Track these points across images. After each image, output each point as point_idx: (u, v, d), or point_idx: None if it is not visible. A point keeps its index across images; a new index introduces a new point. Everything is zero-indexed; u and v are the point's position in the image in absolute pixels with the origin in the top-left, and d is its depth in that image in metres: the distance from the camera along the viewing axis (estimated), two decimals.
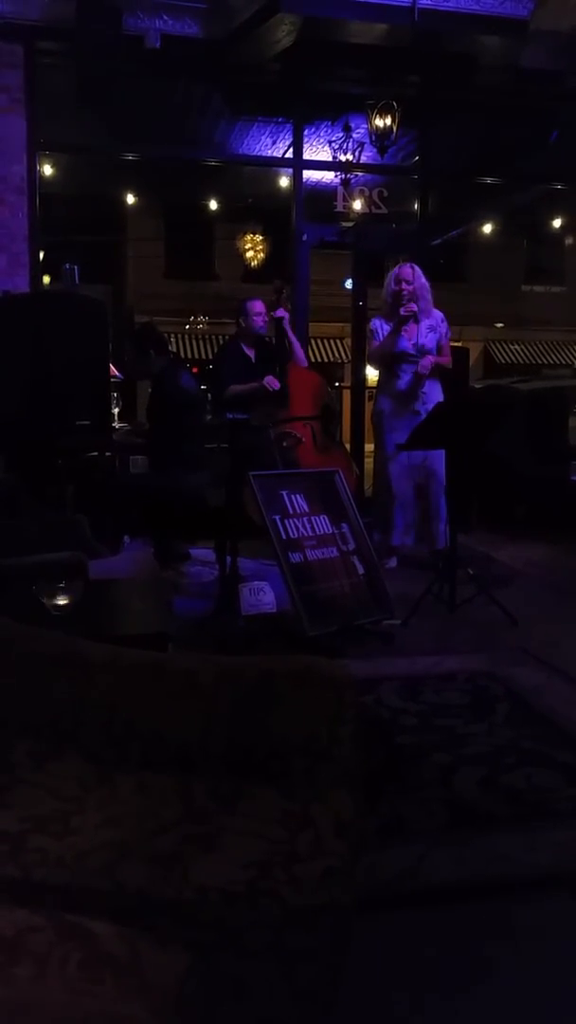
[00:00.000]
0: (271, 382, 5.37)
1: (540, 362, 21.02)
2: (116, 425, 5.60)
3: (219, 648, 3.64)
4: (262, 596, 4.06)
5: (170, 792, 1.52)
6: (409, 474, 5.21)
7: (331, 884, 1.29)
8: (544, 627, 4.10)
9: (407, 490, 5.24)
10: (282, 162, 7.53)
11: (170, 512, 4.62)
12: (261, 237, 14.88)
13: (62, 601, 2.25)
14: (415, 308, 5.14)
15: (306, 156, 7.19)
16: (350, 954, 1.34)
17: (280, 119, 7.24)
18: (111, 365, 5.03)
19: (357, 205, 7.24)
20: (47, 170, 6.98)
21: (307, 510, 4.11)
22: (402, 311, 5.14)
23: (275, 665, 1.67)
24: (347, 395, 11.66)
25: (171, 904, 1.24)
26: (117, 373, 5.77)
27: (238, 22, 6.07)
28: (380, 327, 5.32)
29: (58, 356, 4.52)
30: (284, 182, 7.91)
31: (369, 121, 6.79)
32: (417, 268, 5.30)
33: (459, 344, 12.61)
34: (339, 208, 7.25)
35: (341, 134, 7.12)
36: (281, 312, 5.51)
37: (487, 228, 13.23)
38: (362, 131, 7.00)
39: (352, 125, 7.06)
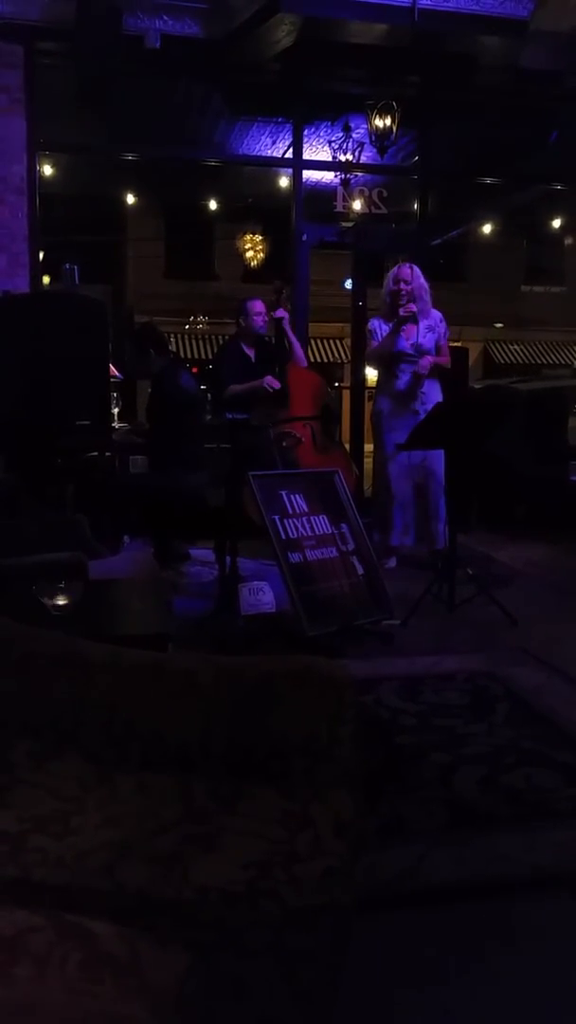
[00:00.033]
0: (271, 382, 5.37)
1: (540, 362, 21.02)
2: (116, 425, 5.60)
3: (219, 648, 3.64)
4: (262, 596, 4.06)
5: (170, 792, 1.52)
6: (408, 474, 5.21)
7: (331, 884, 1.29)
8: (544, 627, 4.10)
9: (406, 490, 5.24)
10: (282, 162, 7.53)
11: (170, 512, 4.62)
12: (261, 237, 14.88)
13: (62, 601, 2.24)
14: (414, 309, 5.14)
15: (306, 156, 7.19)
16: (350, 954, 1.34)
17: (280, 119, 7.25)
18: (111, 365, 5.03)
19: (357, 205, 7.24)
20: (47, 170, 6.98)
21: (306, 510, 4.11)
22: (401, 312, 5.14)
23: (275, 665, 1.67)
24: (347, 395, 11.66)
25: (171, 904, 1.24)
26: (117, 373, 5.77)
27: (238, 22, 6.07)
28: (379, 327, 5.32)
29: (58, 356, 4.52)
30: (284, 182, 7.91)
31: (369, 121, 6.79)
32: (416, 268, 5.30)
33: (459, 344, 12.59)
34: (339, 208, 7.25)
35: (341, 134, 7.12)
36: (281, 312, 5.51)
37: (487, 228, 13.23)
38: (362, 131, 7.00)
39: (352, 125, 7.06)
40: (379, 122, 6.74)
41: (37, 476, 4.41)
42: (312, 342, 12.45)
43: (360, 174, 7.31)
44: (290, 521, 4.00)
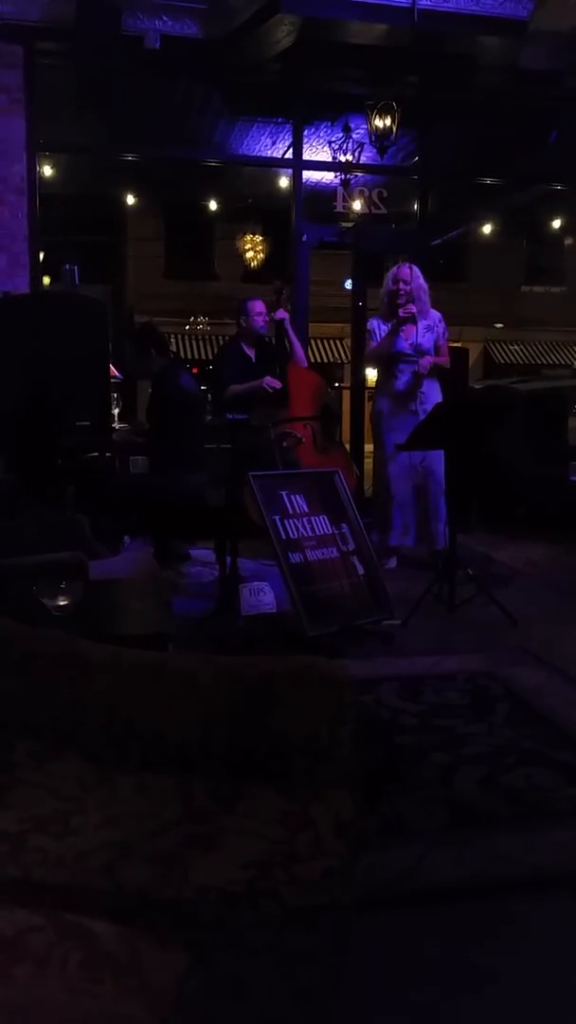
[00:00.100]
0: (271, 382, 5.37)
1: (540, 362, 21.02)
2: (116, 425, 5.59)
3: (219, 648, 3.64)
4: (262, 596, 4.06)
5: (170, 792, 1.52)
6: (408, 475, 5.20)
7: (331, 884, 1.29)
8: (544, 627, 4.11)
9: (405, 490, 5.24)
10: (282, 162, 7.53)
11: (170, 512, 4.62)
12: (261, 237, 14.88)
13: (62, 601, 2.24)
14: (413, 310, 5.14)
15: (306, 156, 7.19)
16: (350, 954, 1.34)
17: (280, 119, 7.25)
18: (111, 365, 5.03)
19: (357, 205, 7.24)
20: (47, 170, 6.98)
21: (307, 510, 4.11)
22: (401, 312, 5.14)
23: (275, 665, 1.67)
24: (347, 395, 11.66)
25: (171, 904, 1.24)
26: (117, 373, 5.77)
27: (238, 22, 6.07)
28: (378, 327, 5.32)
29: (58, 356, 4.52)
30: (284, 182, 7.91)
31: (369, 121, 6.79)
32: (415, 268, 5.30)
33: (459, 344, 12.61)
34: (339, 208, 7.25)
35: (341, 134, 7.12)
36: (282, 313, 5.51)
37: (487, 228, 13.24)
38: (362, 131, 7.00)
39: (352, 125, 7.07)
40: (379, 122, 6.74)
41: (37, 476, 4.41)
42: (312, 342, 12.44)
43: (360, 174, 7.31)
44: (290, 521, 4.00)
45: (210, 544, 5.00)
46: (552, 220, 12.62)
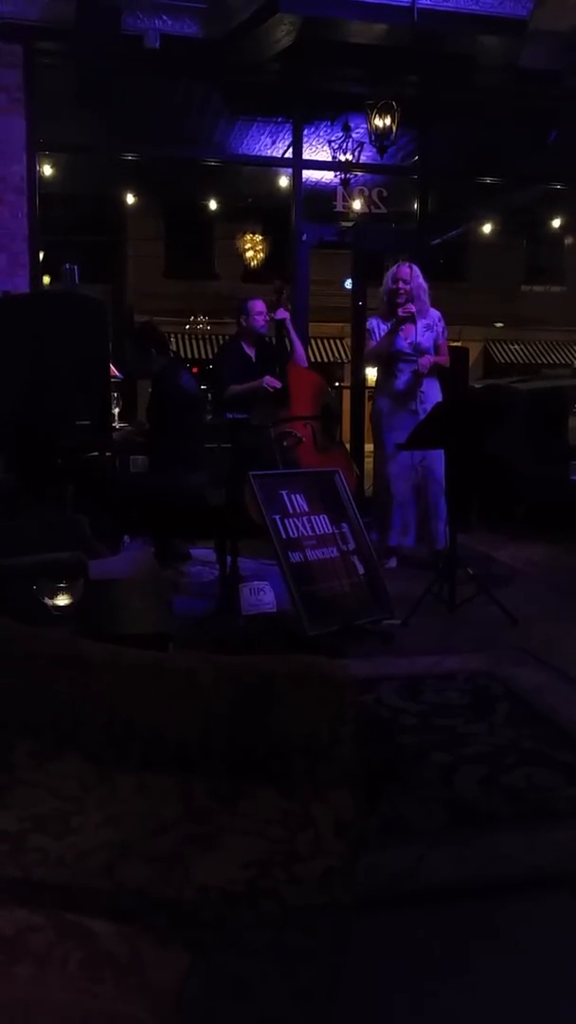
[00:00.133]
0: (271, 382, 5.37)
1: (540, 362, 21.02)
2: (116, 425, 5.59)
3: (219, 648, 3.64)
4: (262, 596, 4.06)
5: (170, 792, 1.52)
6: (408, 474, 5.20)
7: (331, 884, 1.29)
8: (544, 627, 4.10)
9: (405, 490, 5.24)
10: (282, 162, 7.53)
11: (170, 512, 4.62)
12: (261, 237, 14.89)
13: (62, 601, 2.24)
14: (413, 309, 5.14)
15: (306, 156, 7.18)
16: (350, 954, 1.34)
17: (280, 119, 7.24)
18: (111, 365, 5.03)
19: (357, 205, 7.24)
20: (47, 170, 6.97)
21: (307, 510, 4.11)
22: (400, 312, 5.14)
23: (275, 665, 1.67)
24: (347, 395, 11.65)
25: (171, 904, 1.24)
26: (117, 373, 5.77)
27: (237, 22, 6.07)
28: (377, 326, 5.32)
29: (58, 356, 4.51)
30: (284, 182, 7.91)
31: (368, 121, 6.79)
32: (415, 268, 5.30)
33: (459, 344, 12.59)
34: (339, 208, 7.25)
35: (341, 134, 7.12)
36: (282, 313, 5.51)
37: (487, 228, 13.23)
38: (361, 131, 7.00)
39: (352, 125, 7.06)
40: (379, 122, 6.74)
41: (37, 476, 4.41)
42: (312, 342, 12.44)
43: (360, 174, 7.31)
44: (290, 521, 4.00)
45: (210, 543, 4.99)
46: (552, 219, 12.63)
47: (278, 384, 5.37)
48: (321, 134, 7.29)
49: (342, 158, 7.12)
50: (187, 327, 18.99)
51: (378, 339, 5.28)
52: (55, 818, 1.43)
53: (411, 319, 5.15)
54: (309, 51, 6.24)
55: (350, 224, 7.29)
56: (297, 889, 1.26)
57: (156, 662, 1.73)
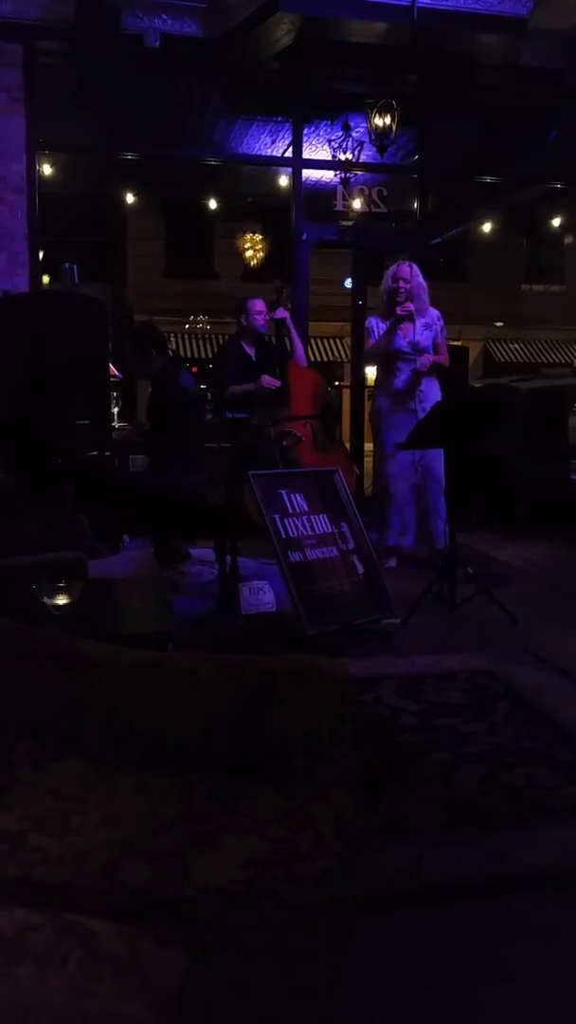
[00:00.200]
0: (269, 382, 5.37)
1: (539, 361, 21.02)
2: (116, 425, 5.59)
3: (219, 647, 3.64)
4: (262, 595, 4.06)
5: (170, 792, 1.52)
6: (407, 474, 5.20)
7: (331, 883, 1.29)
8: (544, 626, 4.11)
9: (404, 490, 5.23)
10: (282, 161, 7.53)
11: (170, 511, 4.62)
12: (261, 236, 14.88)
13: (62, 601, 2.24)
14: (411, 308, 5.14)
15: (305, 155, 7.18)
16: (350, 954, 1.34)
17: (279, 118, 7.24)
18: (111, 365, 5.03)
19: (357, 204, 7.24)
20: (47, 170, 6.97)
21: (307, 509, 4.11)
22: (399, 310, 5.15)
23: (275, 664, 1.67)
24: (347, 394, 11.66)
25: (171, 903, 1.24)
26: (117, 373, 5.76)
27: (237, 21, 6.06)
28: (376, 325, 5.32)
29: (58, 356, 4.51)
30: (284, 181, 7.90)
31: (368, 120, 6.79)
32: (415, 267, 5.30)
33: (459, 343, 12.60)
34: (339, 207, 7.25)
35: (340, 133, 7.12)
36: (282, 312, 5.51)
37: (487, 227, 13.22)
38: (361, 130, 7.00)
39: (351, 124, 7.06)
40: (379, 121, 6.73)
41: (37, 476, 4.41)
42: (312, 341, 12.44)
43: (360, 173, 7.31)
44: (290, 520, 4.00)
45: (210, 543, 4.99)
46: (552, 219, 12.63)
47: (277, 383, 5.37)
48: (321, 133, 7.28)
49: (342, 157, 7.12)
50: (187, 327, 18.99)
51: (377, 338, 5.28)
52: (55, 818, 1.43)
53: (409, 317, 5.15)
54: (309, 50, 6.24)
55: (350, 223, 7.29)
56: (297, 889, 1.26)
57: (156, 662, 1.73)
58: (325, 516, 4.16)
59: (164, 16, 6.13)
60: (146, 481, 4.97)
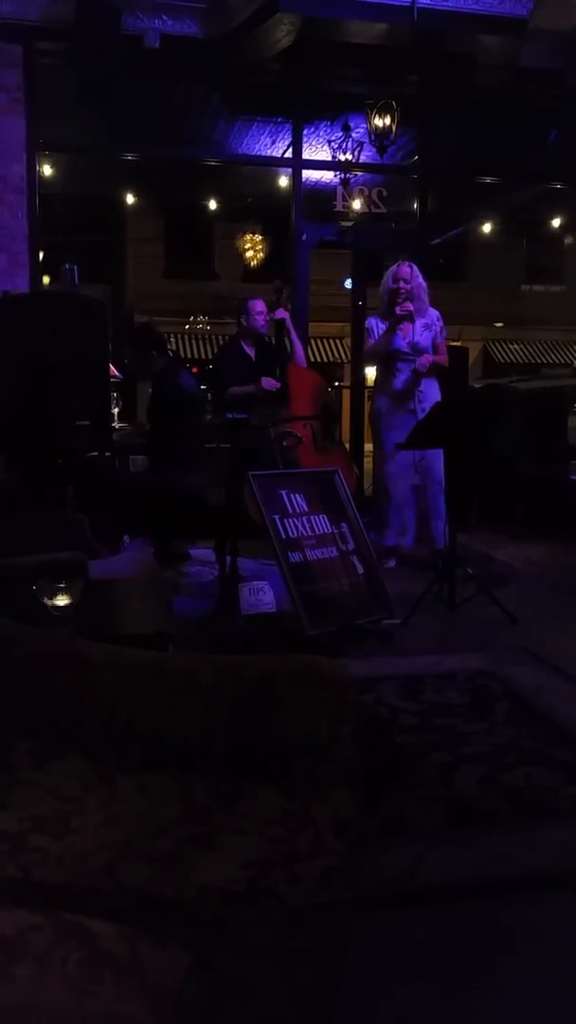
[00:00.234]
0: (269, 384, 5.37)
1: (539, 361, 21.02)
2: (116, 425, 5.60)
3: (219, 648, 3.64)
4: (262, 596, 4.06)
5: (170, 792, 1.52)
6: (406, 474, 5.20)
7: (331, 883, 1.29)
8: (544, 626, 4.11)
9: (404, 490, 5.23)
10: (281, 162, 7.53)
11: (170, 512, 4.62)
12: (261, 237, 14.88)
13: (62, 601, 2.24)
14: (411, 308, 5.14)
15: (305, 156, 7.18)
16: (350, 954, 1.34)
17: (279, 119, 7.24)
18: (111, 365, 5.03)
19: (356, 205, 7.23)
20: (47, 170, 6.97)
21: (306, 510, 4.11)
22: (398, 310, 5.15)
23: (275, 665, 1.67)
24: (347, 395, 11.66)
25: (171, 904, 1.24)
26: (117, 373, 5.76)
27: (237, 22, 6.06)
28: (376, 326, 5.33)
29: (58, 356, 4.51)
30: (283, 182, 7.91)
31: (368, 121, 6.79)
32: (415, 267, 5.30)
33: (458, 343, 12.60)
34: (338, 208, 7.24)
35: (340, 134, 7.12)
36: (282, 313, 5.51)
37: (486, 227, 13.23)
38: (361, 131, 7.00)
39: (351, 125, 7.06)
40: (378, 121, 6.73)
41: (37, 476, 4.41)
42: (312, 342, 12.44)
43: (360, 173, 7.31)
44: (290, 520, 4.00)
45: (210, 543, 5.00)
46: (552, 219, 12.63)
47: (277, 385, 5.37)
48: (321, 134, 7.28)
49: (342, 158, 7.11)
50: (187, 327, 18.98)
51: (376, 338, 5.29)
52: (55, 818, 1.43)
53: (409, 317, 5.15)
54: (309, 51, 6.24)
55: (350, 224, 7.28)
56: (297, 889, 1.26)
57: (156, 662, 1.73)
58: (325, 516, 4.16)
59: (164, 17, 6.13)
60: (146, 481, 4.97)
